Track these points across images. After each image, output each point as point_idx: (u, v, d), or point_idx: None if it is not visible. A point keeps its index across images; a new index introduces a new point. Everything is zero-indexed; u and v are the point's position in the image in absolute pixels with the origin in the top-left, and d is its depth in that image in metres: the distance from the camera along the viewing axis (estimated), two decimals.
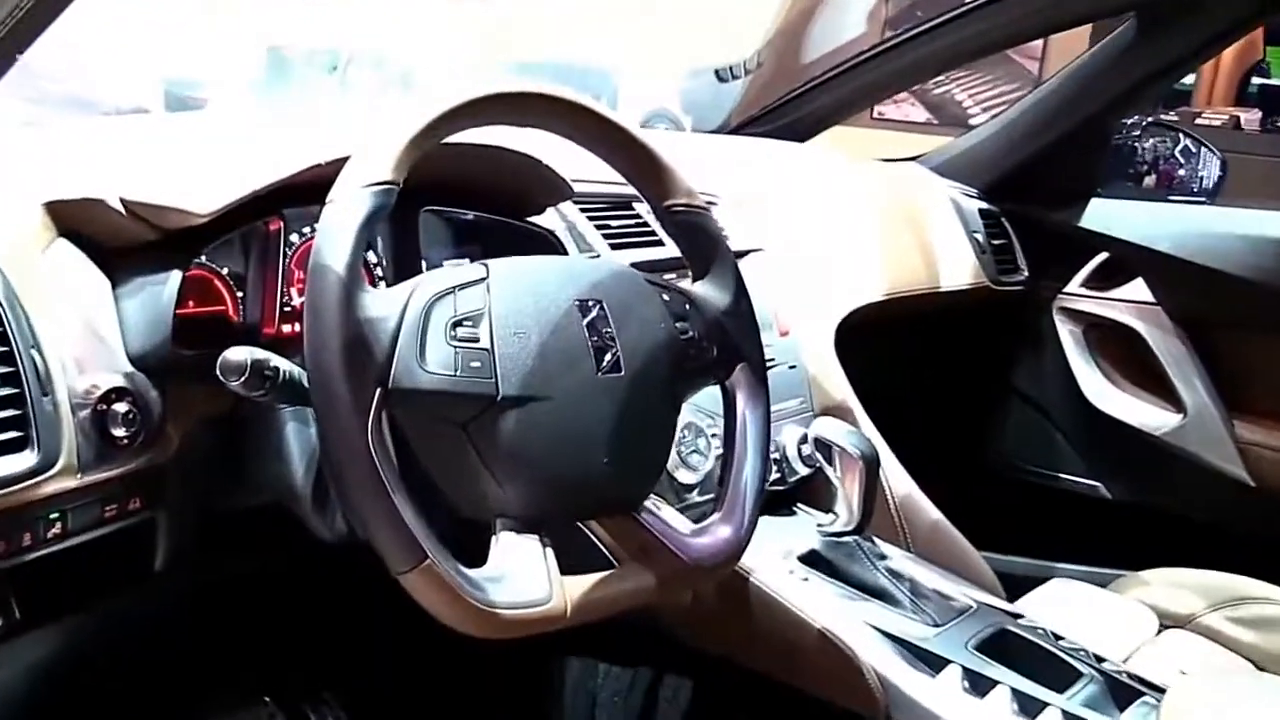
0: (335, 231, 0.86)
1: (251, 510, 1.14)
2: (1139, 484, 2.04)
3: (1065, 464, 2.11)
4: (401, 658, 1.65)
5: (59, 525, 0.96)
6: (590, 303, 0.96)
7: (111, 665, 1.30)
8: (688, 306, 1.06)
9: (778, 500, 1.46)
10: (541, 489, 0.92)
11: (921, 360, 2.13)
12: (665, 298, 1.04)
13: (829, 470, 1.35)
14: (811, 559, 1.34)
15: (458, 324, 0.89)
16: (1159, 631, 1.55)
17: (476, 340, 0.89)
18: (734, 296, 1.10)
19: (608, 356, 0.95)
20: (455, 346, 0.88)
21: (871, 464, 1.33)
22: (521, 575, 0.89)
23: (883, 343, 1.79)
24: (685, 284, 1.10)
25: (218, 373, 0.89)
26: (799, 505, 1.49)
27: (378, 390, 0.83)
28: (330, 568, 1.47)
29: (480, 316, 0.90)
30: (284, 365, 0.91)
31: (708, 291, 1.09)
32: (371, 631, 1.63)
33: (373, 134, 0.91)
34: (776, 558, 1.31)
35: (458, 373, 0.88)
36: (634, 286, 1.02)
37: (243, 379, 0.88)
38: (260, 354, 0.89)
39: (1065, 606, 1.58)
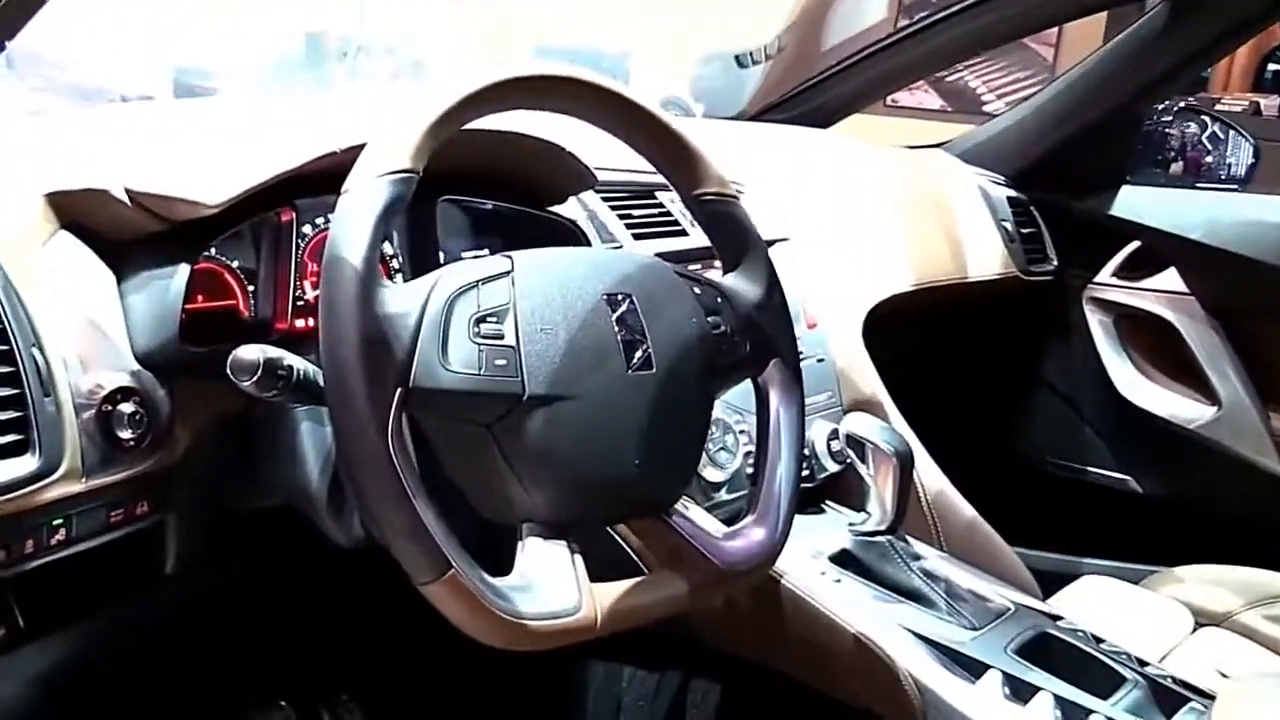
0: (351, 223, 0.81)
1: (264, 512, 1.09)
2: (1171, 478, 1.99)
3: (1096, 457, 2.06)
4: (419, 660, 1.62)
5: (63, 532, 0.92)
6: (619, 296, 0.92)
7: (119, 672, 1.26)
8: (719, 300, 1.01)
9: (806, 498, 1.41)
10: (569, 492, 0.88)
11: (949, 352, 2.08)
12: (696, 291, 0.99)
13: (861, 468, 1.30)
14: (843, 559, 1.29)
15: (481, 320, 0.85)
16: (1194, 630, 1.51)
17: (501, 337, 0.85)
18: (767, 289, 1.05)
19: (638, 353, 0.91)
20: (479, 344, 0.84)
21: (905, 461, 1.28)
22: (549, 584, 0.85)
23: (910, 335, 1.74)
24: (715, 276, 1.05)
25: (229, 372, 0.84)
26: (828, 503, 1.45)
27: (398, 390, 0.79)
28: (347, 570, 1.44)
29: (505, 312, 0.86)
30: (298, 364, 0.87)
31: (739, 284, 1.05)
32: (389, 634, 1.59)
33: (389, 121, 0.87)
34: (807, 558, 1.27)
35: (482, 371, 0.84)
36: (664, 279, 0.98)
37: (255, 379, 0.84)
38: (274, 352, 0.85)
39: (1098, 604, 1.53)
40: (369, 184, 0.83)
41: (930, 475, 1.48)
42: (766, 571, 1.01)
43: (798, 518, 1.32)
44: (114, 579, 1.04)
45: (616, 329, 0.91)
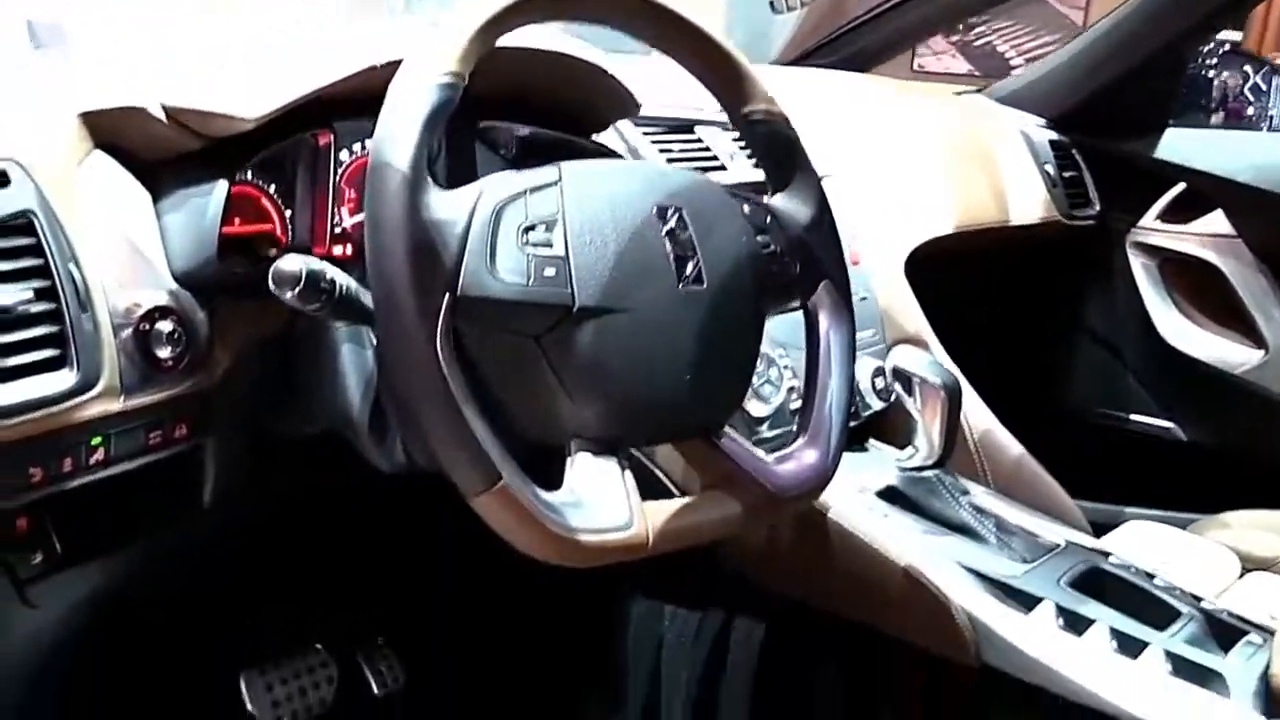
0: (398, 126, 0.79)
1: (304, 440, 1.07)
2: (1216, 425, 1.96)
3: (1138, 405, 2.03)
4: (459, 603, 1.60)
5: (101, 452, 0.90)
6: (670, 210, 0.89)
7: (158, 601, 1.25)
8: (768, 219, 0.99)
9: (850, 436, 1.38)
10: (619, 408, 0.86)
11: (989, 300, 2.05)
12: (745, 209, 0.97)
13: (908, 402, 1.28)
14: (890, 495, 1.27)
15: (529, 229, 0.83)
16: (1241, 575, 1.48)
17: (550, 246, 0.83)
18: (817, 211, 1.02)
19: (689, 267, 0.89)
20: (528, 253, 0.82)
21: (953, 394, 1.26)
22: (600, 499, 0.83)
23: (949, 281, 1.71)
24: (764, 198, 1.03)
25: (270, 283, 0.82)
26: (872, 441, 1.42)
27: (445, 297, 0.77)
28: (387, 504, 1.42)
29: (554, 221, 0.84)
30: (341, 278, 0.84)
31: (788, 205, 1.02)
32: (428, 577, 1.58)
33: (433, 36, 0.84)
34: (853, 493, 1.24)
35: (531, 282, 0.81)
36: (714, 196, 0.95)
37: (297, 290, 0.81)
38: (316, 264, 0.83)
39: (1144, 548, 1.51)
40: (415, 88, 0.80)
41: (977, 413, 1.45)
42: (818, 496, 0.98)
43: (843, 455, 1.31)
44: (151, 507, 1.03)
45: (667, 243, 0.88)
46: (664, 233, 0.88)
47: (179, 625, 1.31)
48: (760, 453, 0.96)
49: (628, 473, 0.85)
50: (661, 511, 0.86)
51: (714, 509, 0.91)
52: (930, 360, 1.27)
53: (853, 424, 1.38)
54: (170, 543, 1.12)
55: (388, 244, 0.76)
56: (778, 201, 1.02)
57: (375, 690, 1.58)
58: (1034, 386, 2.10)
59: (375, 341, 0.99)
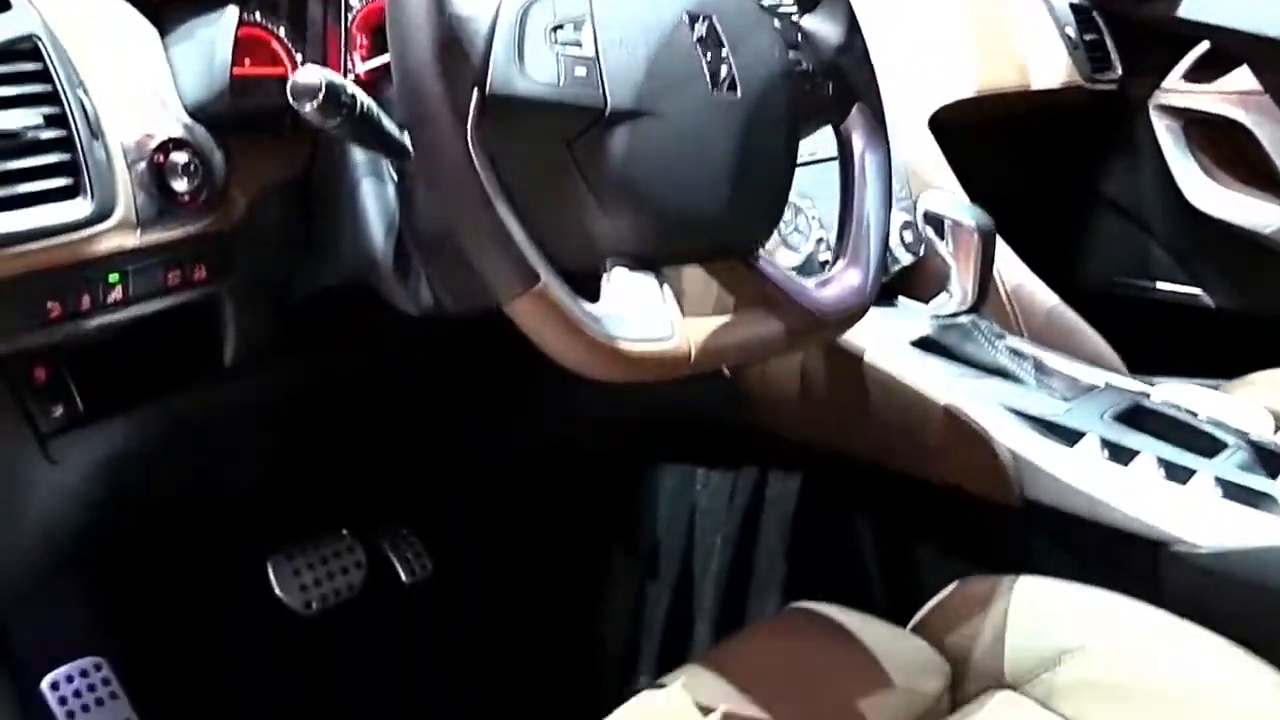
0: None
1: (327, 294, 1.05)
2: (1244, 288, 1.92)
3: (1163, 272, 1.99)
4: (484, 490, 1.58)
5: (119, 290, 0.88)
6: (700, 18, 0.85)
7: (181, 468, 1.23)
8: (800, 38, 0.95)
9: (880, 292, 1.36)
10: (654, 221, 0.82)
11: (1009, 169, 2.01)
12: (777, 25, 0.93)
13: (940, 246, 1.25)
14: (925, 344, 1.24)
15: (558, 28, 0.79)
16: (1276, 430, 1.46)
17: (579, 45, 0.79)
18: (848, 31, 0.99)
19: (722, 73, 0.85)
20: (557, 52, 0.78)
21: (987, 236, 1.23)
22: (639, 312, 0.79)
23: (970, 149, 1.67)
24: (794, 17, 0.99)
25: (289, 96, 0.79)
26: (901, 299, 1.39)
27: (475, 92, 0.73)
28: (406, 390, 1.40)
29: (582, 21, 0.80)
30: (361, 95, 0.81)
31: (819, 26, 0.98)
32: (451, 463, 1.56)
33: None
34: (887, 341, 1.22)
35: (562, 81, 0.78)
36: (746, 6, 0.91)
37: (317, 103, 0.78)
38: (336, 76, 0.79)
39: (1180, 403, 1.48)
40: None
41: (1009, 265, 1.42)
42: (861, 318, 0.96)
43: (871, 310, 1.28)
44: (172, 364, 1.01)
45: (698, 49, 0.84)
46: (695, 40, 0.84)
47: (203, 506, 1.29)
48: (799, 277, 0.93)
49: (667, 288, 0.82)
50: (703, 328, 0.83)
51: (756, 327, 0.88)
52: (962, 202, 1.24)
53: (884, 279, 1.36)
54: (192, 408, 1.10)
55: (412, 40, 0.73)
56: (807, 22, 0.98)
57: (404, 578, 1.57)
58: (1056, 257, 2.06)
59: (395, 177, 0.96)
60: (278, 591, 1.45)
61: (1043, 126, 1.94)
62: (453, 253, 0.92)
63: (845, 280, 0.94)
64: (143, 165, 0.87)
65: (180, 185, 0.89)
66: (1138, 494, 1.04)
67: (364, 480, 1.51)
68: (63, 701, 1.24)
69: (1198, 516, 1.02)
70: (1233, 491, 1.04)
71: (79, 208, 0.84)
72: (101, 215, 0.85)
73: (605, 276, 0.82)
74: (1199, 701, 0.94)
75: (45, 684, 1.23)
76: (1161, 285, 1.99)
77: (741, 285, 0.91)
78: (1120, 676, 0.97)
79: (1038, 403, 1.15)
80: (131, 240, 0.87)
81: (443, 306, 0.96)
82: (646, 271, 0.82)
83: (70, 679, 1.25)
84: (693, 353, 0.81)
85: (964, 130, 1.62)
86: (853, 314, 0.93)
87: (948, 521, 1.16)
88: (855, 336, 1.20)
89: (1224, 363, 1.72)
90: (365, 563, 1.53)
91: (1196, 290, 1.96)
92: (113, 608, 1.29)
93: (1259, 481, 1.05)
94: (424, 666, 1.50)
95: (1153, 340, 1.95)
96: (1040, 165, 2.03)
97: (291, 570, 1.47)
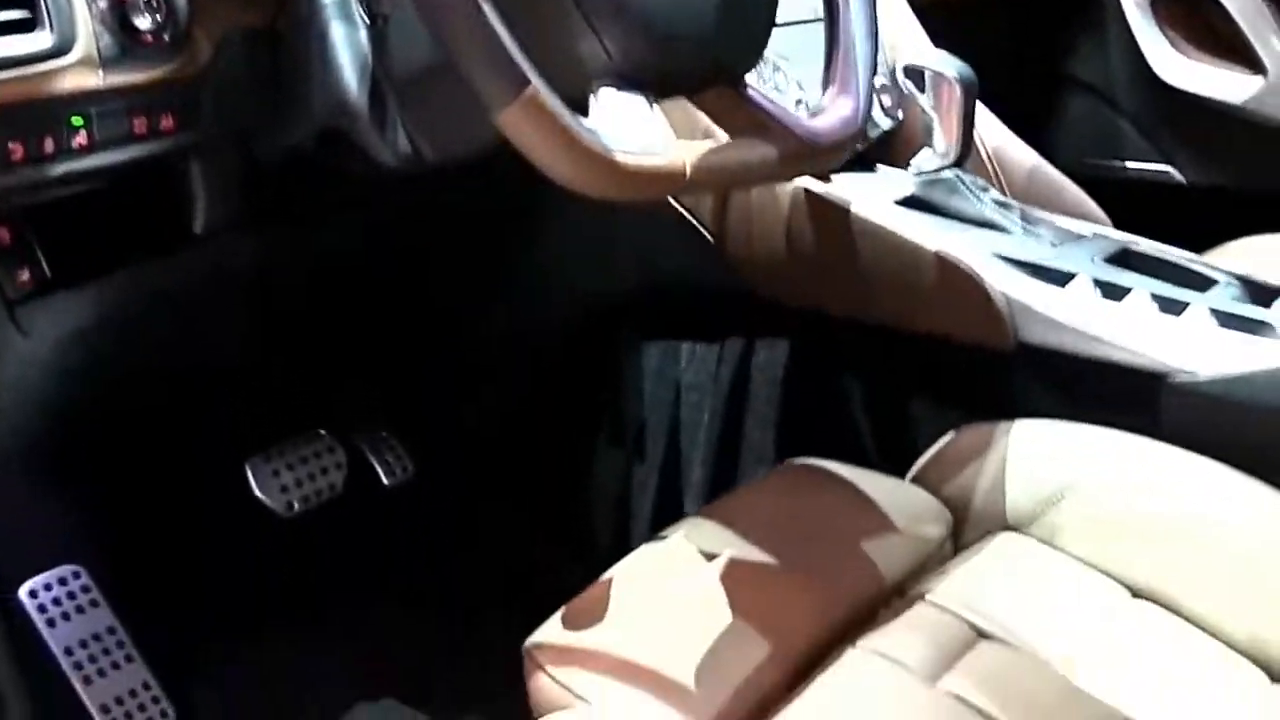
0: None
1: (300, 152, 1.01)
2: (1214, 162, 1.91)
3: (1132, 150, 1.98)
4: (462, 385, 1.56)
5: (83, 134, 0.85)
6: None
7: (152, 344, 1.19)
8: None
9: (858, 160, 1.34)
10: (644, 41, 0.79)
11: (973, 50, 1.98)
12: None
13: (922, 100, 1.23)
14: (910, 202, 1.22)
15: None
16: None
17: None
18: None
19: None
20: None
21: (970, 86, 1.21)
22: (632, 128, 0.77)
23: (936, 33, 1.65)
24: None
25: None
26: (880, 166, 1.37)
27: None
28: (380, 281, 1.36)
29: None
30: None
31: None
32: (429, 360, 1.53)
33: None
34: (871, 198, 1.20)
35: None
36: None
37: None
38: None
39: None
40: None
41: (988, 126, 1.40)
42: (855, 144, 0.93)
43: (852, 176, 1.26)
44: (140, 229, 0.97)
45: None
46: None
47: (178, 385, 1.26)
48: (789, 106, 0.91)
49: (658, 108, 0.79)
50: (698, 148, 0.80)
51: (749, 152, 0.85)
52: (943, 55, 1.21)
53: (861, 146, 1.34)
54: (163, 276, 1.06)
55: None
56: None
57: (385, 481, 1.55)
58: (1026, 139, 2.05)
59: (367, 19, 0.92)
60: (257, 492, 1.42)
61: (1009, 7, 1.91)
62: (431, 91, 0.89)
63: (836, 109, 0.91)
64: (103, 1, 0.84)
65: (142, 23, 0.86)
66: (1133, 328, 1.03)
67: (343, 378, 1.48)
68: (42, 609, 1.21)
69: (1196, 346, 1.01)
70: (1228, 321, 1.03)
71: (38, 40, 0.81)
72: (61, 49, 0.82)
73: (593, 98, 0.79)
74: (1205, 529, 0.94)
75: (23, 592, 1.20)
76: (1131, 164, 1.98)
77: (733, 114, 0.89)
78: (1123, 510, 0.96)
79: (1026, 249, 1.14)
80: (94, 80, 0.84)
81: (421, 155, 0.93)
82: (636, 92, 0.79)
83: (49, 587, 1.22)
84: (688, 169, 0.78)
85: (931, 11, 1.59)
86: (846, 141, 0.91)
87: (941, 373, 1.14)
88: (840, 191, 1.18)
89: (1196, 239, 1.72)
90: (346, 463, 1.50)
91: (1167, 167, 1.95)
92: (89, 513, 1.26)
93: (1254, 310, 1.05)
94: (408, 566, 1.48)
95: (1124, 219, 1.95)
96: (1008, 47, 2.01)
97: (270, 471, 1.44)
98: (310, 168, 1.01)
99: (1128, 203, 1.97)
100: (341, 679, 1.33)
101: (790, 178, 1.06)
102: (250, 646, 1.33)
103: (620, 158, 0.73)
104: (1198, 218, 1.86)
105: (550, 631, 0.86)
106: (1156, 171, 1.96)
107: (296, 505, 1.44)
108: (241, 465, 1.42)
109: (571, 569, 0.93)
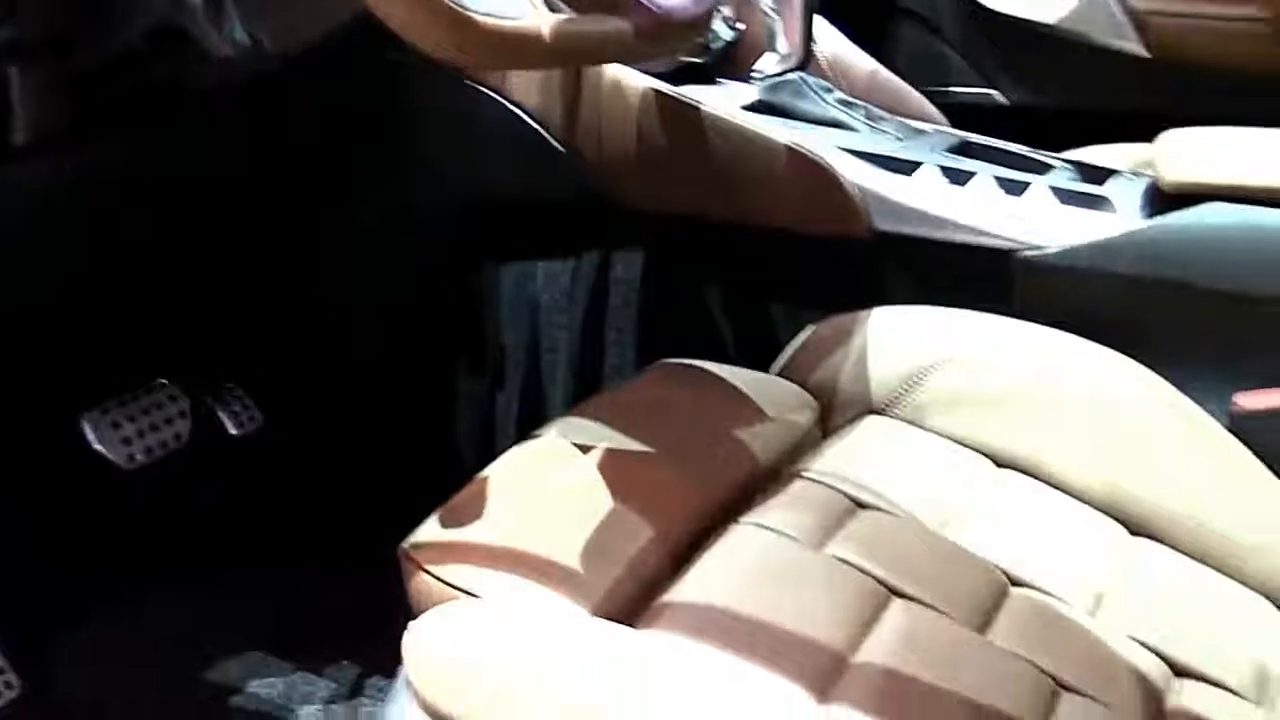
0: None
1: (128, 59, 0.95)
2: (1039, 82, 1.98)
3: (956, 76, 2.03)
4: (314, 326, 1.50)
5: None
6: None
7: None
8: None
9: (700, 75, 1.34)
10: None
11: None
12: None
13: (764, 1, 1.23)
14: (756, 107, 1.23)
15: None
16: None
17: None
18: None
19: None
20: None
21: None
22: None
23: None
24: None
25: None
26: (719, 79, 1.37)
27: None
28: (231, 193, 1.30)
29: None
30: None
31: None
32: (277, 297, 1.47)
33: None
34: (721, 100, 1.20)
35: None
36: None
37: None
38: None
39: None
40: None
41: (825, 33, 1.42)
42: (708, 23, 0.93)
43: (695, 90, 1.25)
44: None
45: None
46: None
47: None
48: None
49: None
50: (556, 18, 0.79)
51: (605, 24, 0.84)
52: None
53: (703, 59, 1.34)
54: None
55: None
56: None
57: (232, 430, 1.49)
58: None
59: None
60: (97, 446, 1.34)
61: None
62: None
63: None
64: None
65: None
66: (979, 209, 1.07)
67: (182, 323, 1.41)
68: None
69: (1040, 221, 1.05)
70: (1068, 198, 1.07)
71: None
72: None
73: None
74: (1057, 397, 0.97)
75: None
76: (955, 89, 2.04)
77: None
78: (984, 385, 0.99)
79: (874, 143, 1.16)
80: None
81: (260, 46, 0.89)
82: None
83: None
84: (547, 34, 0.76)
85: None
86: (700, 18, 0.91)
87: (799, 268, 1.15)
88: (688, 88, 1.18)
89: None
90: (189, 412, 1.43)
91: (992, 91, 2.01)
92: None
93: (1090, 188, 1.09)
94: (262, 516, 1.43)
95: None
96: None
97: (110, 423, 1.36)
98: (141, 73, 0.96)
99: (956, 128, 2.03)
100: (204, 636, 1.28)
101: (646, 56, 1.06)
102: (102, 607, 1.26)
103: (476, 18, 0.71)
104: (1022, 138, 1.94)
105: (428, 531, 0.83)
106: (980, 95, 2.02)
107: (139, 456, 1.37)
108: (78, 421, 1.34)
109: (436, 506, 0.90)
